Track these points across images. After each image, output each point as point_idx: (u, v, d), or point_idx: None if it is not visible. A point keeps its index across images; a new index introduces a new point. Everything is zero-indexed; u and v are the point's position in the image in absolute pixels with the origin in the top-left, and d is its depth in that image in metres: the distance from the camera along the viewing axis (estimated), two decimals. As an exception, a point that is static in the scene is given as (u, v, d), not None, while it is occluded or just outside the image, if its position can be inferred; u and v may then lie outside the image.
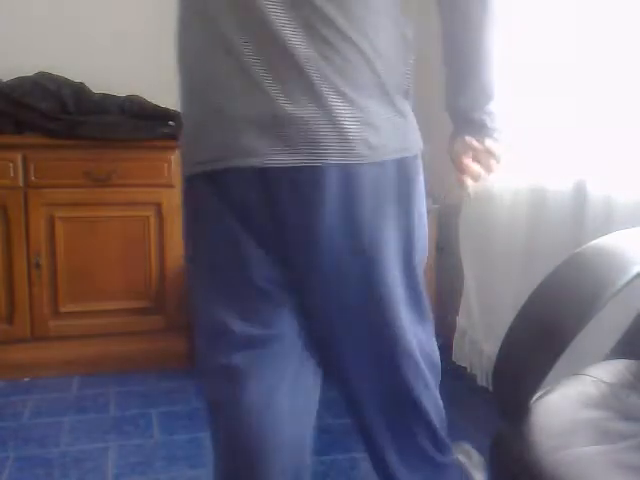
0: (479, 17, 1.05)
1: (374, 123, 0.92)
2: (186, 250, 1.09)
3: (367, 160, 0.92)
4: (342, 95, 0.90)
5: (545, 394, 1.01)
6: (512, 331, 0.98)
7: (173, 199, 2.45)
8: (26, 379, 2.37)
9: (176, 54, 1.06)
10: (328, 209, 0.91)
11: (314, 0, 0.88)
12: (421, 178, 1.03)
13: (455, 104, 1.14)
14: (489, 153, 1.15)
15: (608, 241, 1.04)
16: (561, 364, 0.90)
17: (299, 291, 1.01)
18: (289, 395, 1.11)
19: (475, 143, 1.14)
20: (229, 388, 1.05)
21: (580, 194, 1.76)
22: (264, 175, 0.92)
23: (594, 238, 1.05)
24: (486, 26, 1.08)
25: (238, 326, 1.02)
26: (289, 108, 0.89)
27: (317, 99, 0.89)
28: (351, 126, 0.91)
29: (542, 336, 0.93)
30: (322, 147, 0.90)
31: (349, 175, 0.91)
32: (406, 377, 1.04)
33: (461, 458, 1.28)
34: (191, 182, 1.01)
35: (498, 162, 1.17)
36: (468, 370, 2.24)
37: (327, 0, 0.88)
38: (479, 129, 1.14)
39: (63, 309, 2.39)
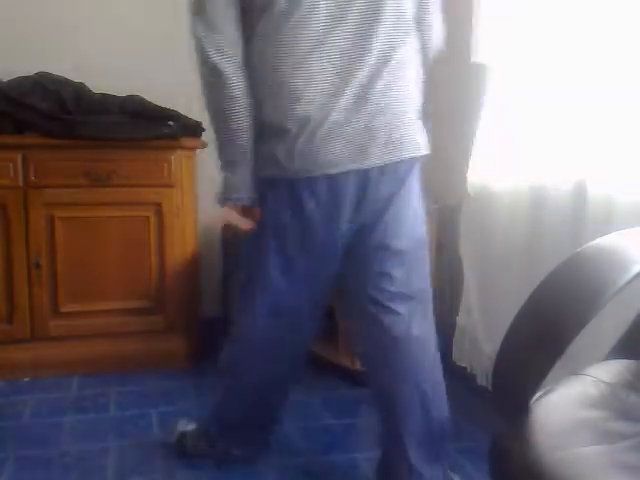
0: None
1: (421, 133, 1.52)
2: (277, 237, 1.48)
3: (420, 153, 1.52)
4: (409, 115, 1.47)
5: (545, 394, 1.01)
6: (512, 331, 0.98)
7: (173, 199, 2.45)
8: (26, 379, 2.37)
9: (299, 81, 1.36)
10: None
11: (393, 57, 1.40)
12: None
13: None
14: None
15: (608, 241, 1.04)
16: (561, 364, 0.90)
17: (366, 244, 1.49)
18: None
19: None
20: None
21: (580, 194, 1.76)
22: (364, 172, 1.40)
23: (594, 238, 1.05)
24: None
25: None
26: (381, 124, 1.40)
27: (395, 119, 1.42)
28: (418, 137, 1.50)
29: (542, 336, 0.93)
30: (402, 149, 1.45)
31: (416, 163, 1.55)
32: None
33: None
34: (306, 182, 1.40)
35: None
36: (468, 370, 2.24)
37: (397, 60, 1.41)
38: None
39: (63, 309, 2.39)
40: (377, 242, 1.48)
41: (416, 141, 1.48)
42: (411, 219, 1.52)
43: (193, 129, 2.53)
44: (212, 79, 1.38)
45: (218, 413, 1.77)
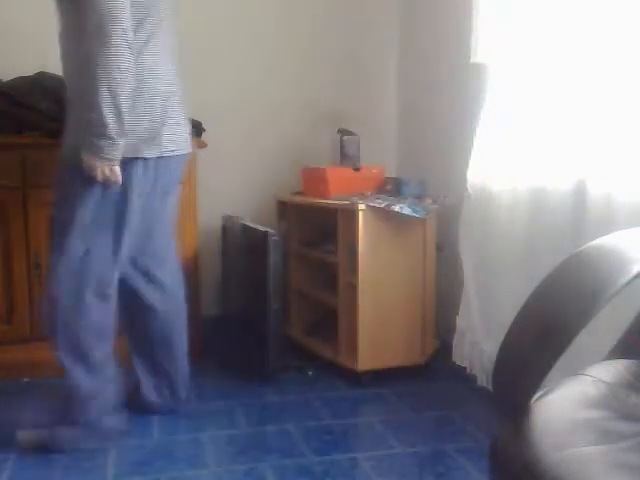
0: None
1: None
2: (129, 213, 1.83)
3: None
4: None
5: (545, 394, 1.00)
6: (512, 331, 0.98)
7: (173, 199, 2.45)
8: (26, 379, 2.37)
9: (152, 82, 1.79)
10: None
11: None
12: None
13: None
14: None
15: (608, 241, 1.04)
16: (561, 364, 0.90)
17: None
18: None
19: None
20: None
21: (580, 194, 1.76)
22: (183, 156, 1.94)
23: (594, 238, 1.05)
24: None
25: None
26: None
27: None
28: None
29: (542, 336, 0.93)
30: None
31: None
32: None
33: None
34: (155, 161, 1.83)
35: None
36: (468, 370, 2.24)
37: None
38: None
39: (63, 309, 2.39)
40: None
41: None
42: None
43: (193, 129, 2.53)
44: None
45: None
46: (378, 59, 3.09)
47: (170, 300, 2.05)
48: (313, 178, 2.67)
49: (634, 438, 0.89)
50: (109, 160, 1.70)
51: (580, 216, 1.75)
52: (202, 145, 2.59)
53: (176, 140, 1.86)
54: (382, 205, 2.30)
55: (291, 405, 2.19)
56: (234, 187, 2.92)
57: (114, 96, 1.63)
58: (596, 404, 0.98)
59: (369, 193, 2.54)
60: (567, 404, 0.98)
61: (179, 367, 2.08)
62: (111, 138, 1.67)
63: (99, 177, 1.72)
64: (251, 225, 2.52)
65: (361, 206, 2.30)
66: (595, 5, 1.72)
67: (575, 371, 1.09)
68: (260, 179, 2.96)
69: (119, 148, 1.70)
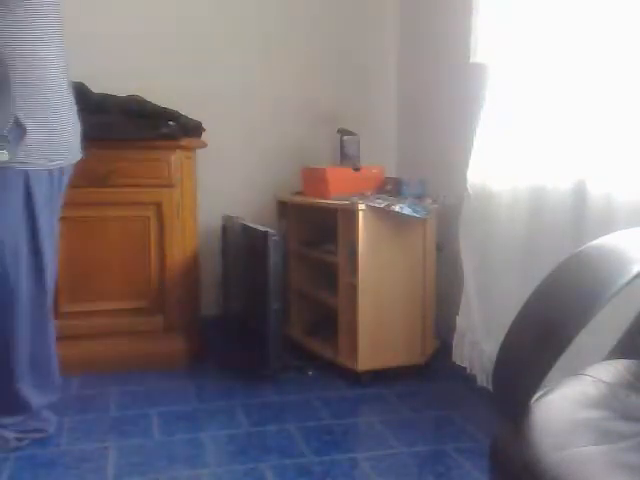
0: None
1: None
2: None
3: None
4: None
5: (545, 394, 1.00)
6: (512, 331, 0.98)
7: (173, 199, 2.45)
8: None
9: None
10: None
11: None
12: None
13: None
14: None
15: (608, 240, 1.04)
16: (561, 364, 0.90)
17: None
18: None
19: None
20: None
21: (580, 194, 1.76)
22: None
23: (594, 238, 1.05)
24: None
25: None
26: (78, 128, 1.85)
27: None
28: None
29: (542, 336, 0.93)
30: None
31: None
32: None
33: None
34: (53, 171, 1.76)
35: None
36: (468, 370, 2.24)
37: None
38: None
39: (63, 309, 2.39)
40: None
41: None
42: None
43: (193, 129, 2.53)
44: None
45: None
46: (378, 59, 3.09)
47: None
48: (313, 178, 2.67)
49: (634, 438, 0.89)
50: None
51: (580, 216, 1.75)
52: (202, 145, 2.59)
53: (73, 148, 1.82)
54: (382, 205, 2.30)
55: (291, 405, 2.19)
56: (234, 187, 2.92)
57: None
58: (596, 404, 0.98)
59: (369, 193, 2.54)
60: (567, 404, 0.98)
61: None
62: None
63: None
64: (251, 225, 2.52)
65: (361, 206, 2.30)
66: (595, 5, 1.72)
67: (575, 371, 1.09)
68: (260, 179, 2.96)
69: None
